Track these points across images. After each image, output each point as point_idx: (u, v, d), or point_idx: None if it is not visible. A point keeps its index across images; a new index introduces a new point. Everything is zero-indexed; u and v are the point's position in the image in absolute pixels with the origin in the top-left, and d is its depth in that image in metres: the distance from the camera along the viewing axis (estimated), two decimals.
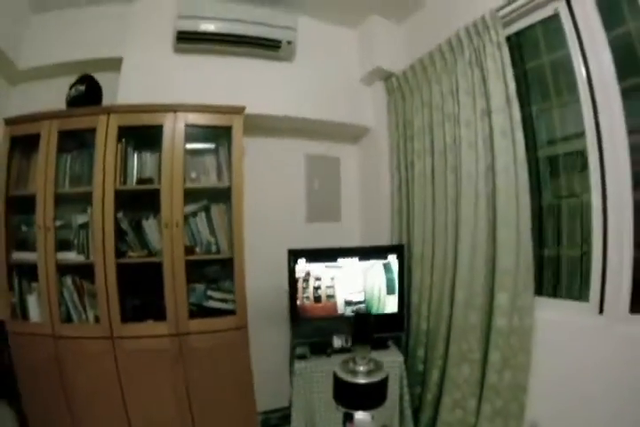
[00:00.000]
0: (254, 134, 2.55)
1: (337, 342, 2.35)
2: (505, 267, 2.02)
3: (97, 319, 2.15)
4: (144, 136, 2.19)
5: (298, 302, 2.34)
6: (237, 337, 2.24)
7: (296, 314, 2.36)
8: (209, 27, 2.20)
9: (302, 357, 2.32)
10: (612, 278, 1.75)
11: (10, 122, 2.16)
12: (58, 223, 2.16)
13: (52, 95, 2.27)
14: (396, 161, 2.69)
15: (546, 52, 2.05)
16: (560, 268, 2.11)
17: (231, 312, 2.25)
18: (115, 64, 2.27)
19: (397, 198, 2.69)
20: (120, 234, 2.16)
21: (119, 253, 2.12)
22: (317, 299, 2.37)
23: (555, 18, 1.92)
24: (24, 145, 2.20)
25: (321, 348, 2.35)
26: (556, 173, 2.10)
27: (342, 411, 0.89)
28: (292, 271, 2.32)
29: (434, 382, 2.40)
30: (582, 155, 1.87)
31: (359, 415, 0.86)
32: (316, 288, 2.36)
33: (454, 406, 2.26)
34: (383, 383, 0.86)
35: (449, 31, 2.26)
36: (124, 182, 2.16)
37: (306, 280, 2.33)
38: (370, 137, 2.90)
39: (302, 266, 2.32)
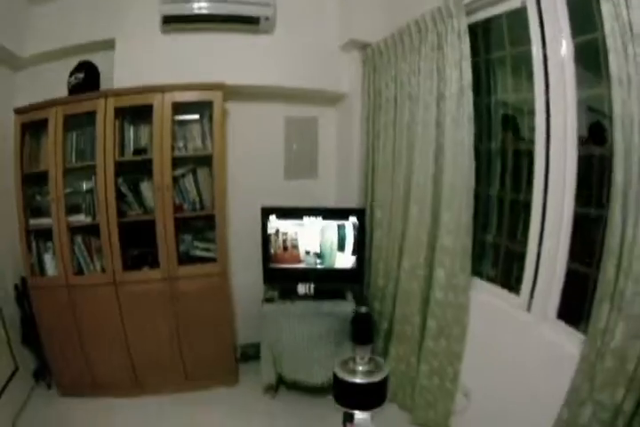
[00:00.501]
0: (237, 99, 2.85)
1: (301, 289, 2.80)
2: (445, 246, 2.22)
3: (103, 269, 2.61)
4: (138, 112, 2.55)
5: (270, 252, 2.77)
6: (219, 281, 2.72)
7: (267, 262, 2.81)
8: (191, 9, 2.43)
9: (270, 300, 2.77)
10: (544, 280, 1.83)
11: (19, 111, 2.50)
12: (67, 190, 2.56)
13: (54, 78, 2.59)
14: (365, 128, 2.93)
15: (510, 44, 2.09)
16: (499, 256, 2.29)
17: (214, 260, 2.70)
18: (109, 45, 2.56)
19: (365, 164, 2.96)
20: (121, 196, 2.58)
21: (120, 214, 2.55)
22: (284, 248, 2.80)
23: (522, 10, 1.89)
24: (33, 130, 2.58)
25: (288, 293, 2.80)
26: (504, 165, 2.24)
27: (342, 411, 0.90)
28: (264, 226, 2.74)
29: (383, 332, 2.80)
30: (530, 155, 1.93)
31: (359, 415, 0.87)
32: (284, 240, 2.77)
33: (398, 359, 2.63)
34: (383, 383, 0.86)
35: (421, 10, 2.29)
36: (122, 154, 2.58)
37: (276, 234, 2.74)
38: (346, 102, 3.13)
39: (273, 222, 2.72)
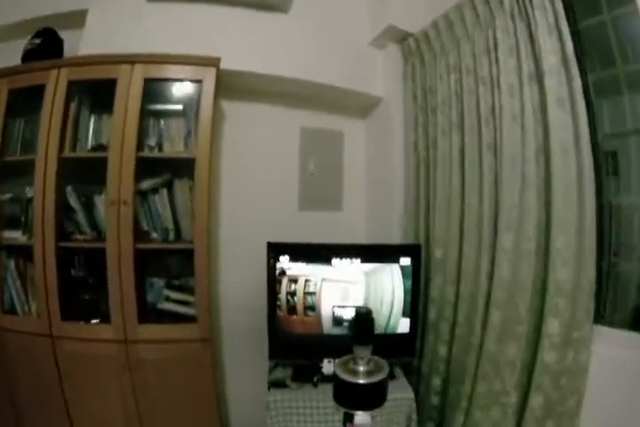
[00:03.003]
0: (238, 98, 2.16)
1: (328, 367, 1.84)
2: (560, 284, 1.52)
3: (39, 314, 1.78)
4: (102, 95, 1.80)
5: (278, 311, 1.86)
6: (199, 351, 1.80)
7: (275, 326, 1.88)
8: None
9: (280, 384, 1.82)
10: None
11: None
12: (6, 196, 1.85)
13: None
14: (413, 138, 2.19)
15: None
16: (626, 287, 1.63)
17: (192, 319, 1.81)
18: (79, 19, 1.94)
19: (414, 185, 2.18)
20: (68, 211, 1.80)
21: (63, 235, 1.76)
22: (291, 310, 1.87)
23: None
24: None
25: (307, 372, 1.84)
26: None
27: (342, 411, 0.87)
28: (270, 271, 1.84)
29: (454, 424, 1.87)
30: None
31: (359, 416, 0.85)
32: (301, 293, 1.85)
33: None
34: (383, 383, 0.86)
35: None
36: (74, 149, 1.80)
37: (289, 284, 1.85)
38: (380, 110, 2.40)
39: (284, 265, 1.84)
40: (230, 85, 2.04)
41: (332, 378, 1.74)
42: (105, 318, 1.77)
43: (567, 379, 1.51)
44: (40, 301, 1.76)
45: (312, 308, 1.87)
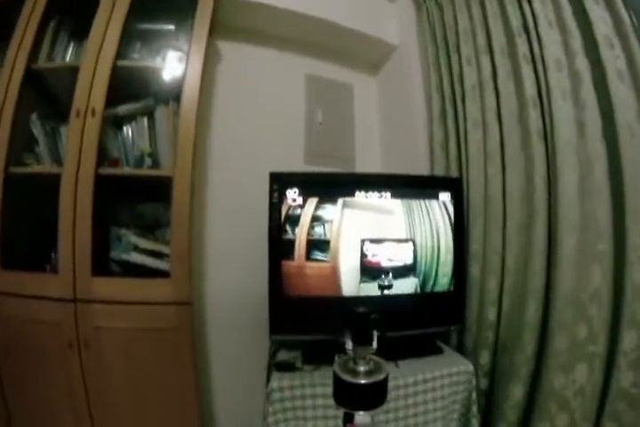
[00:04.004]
0: (237, 39, 1.91)
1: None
2: None
3: None
4: (85, 22, 1.49)
5: (283, 268, 1.34)
6: (173, 319, 1.32)
7: (279, 289, 1.35)
8: None
9: (287, 366, 1.30)
10: None
11: None
12: None
13: None
14: (436, 79, 1.84)
15: None
16: None
17: (165, 274, 1.36)
18: None
19: (440, 126, 1.81)
20: (30, 143, 1.47)
21: (14, 163, 1.40)
22: (287, 249, 1.32)
23: None
24: None
25: (324, 351, 1.35)
26: None
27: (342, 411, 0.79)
28: (275, 209, 1.36)
29: (512, 404, 1.38)
30: None
31: (359, 416, 0.80)
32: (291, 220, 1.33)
33: None
34: (383, 383, 0.80)
35: None
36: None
37: (302, 227, 1.33)
38: (395, 60, 2.12)
39: (294, 203, 1.35)
40: (230, 23, 1.83)
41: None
42: (54, 269, 1.33)
43: None
44: None
45: (323, 245, 1.34)
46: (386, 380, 0.81)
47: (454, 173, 1.71)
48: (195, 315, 1.43)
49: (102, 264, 1.37)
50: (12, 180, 1.39)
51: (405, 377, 1.28)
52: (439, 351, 1.46)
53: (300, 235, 1.32)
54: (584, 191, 1.29)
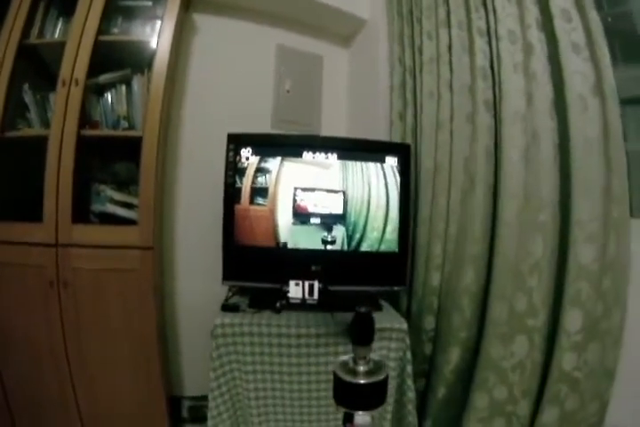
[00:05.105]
0: (211, 12, 2.05)
1: (294, 290, 1.48)
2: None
3: None
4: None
5: (235, 219, 1.54)
6: (139, 261, 1.54)
7: (231, 239, 1.55)
8: None
9: (232, 307, 1.48)
10: None
11: None
12: None
13: None
14: (397, 53, 1.93)
15: None
16: None
17: (134, 223, 1.59)
18: None
19: (400, 97, 1.90)
20: (21, 109, 1.68)
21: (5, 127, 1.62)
22: (236, 195, 1.52)
23: None
24: None
25: (267, 298, 1.50)
26: None
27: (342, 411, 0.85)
28: (230, 167, 1.54)
29: (453, 367, 1.48)
30: None
31: (359, 416, 0.84)
32: (266, 191, 1.53)
33: (492, 413, 1.34)
34: (383, 383, 0.84)
35: None
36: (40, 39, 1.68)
37: (253, 183, 1.54)
38: (365, 34, 2.22)
39: (248, 160, 1.53)
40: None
41: (300, 306, 1.50)
42: (39, 219, 1.54)
43: (610, 282, 1.18)
44: None
45: (263, 192, 1.54)
46: (386, 380, 0.84)
47: (409, 142, 1.80)
48: (159, 258, 1.66)
49: (82, 214, 1.60)
50: (6, 142, 1.61)
51: (337, 326, 1.42)
52: (378, 309, 1.57)
53: (246, 183, 1.53)
54: (528, 162, 1.34)
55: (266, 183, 1.53)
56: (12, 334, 1.59)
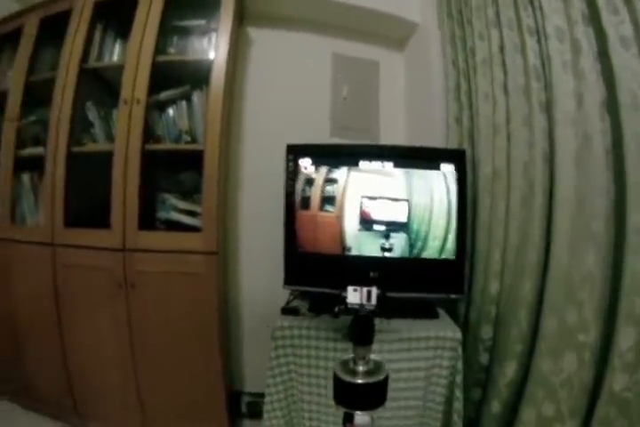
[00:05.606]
0: (266, 25, 2.13)
1: (353, 296, 1.55)
2: None
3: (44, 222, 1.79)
4: (127, 20, 1.78)
5: (297, 227, 1.60)
6: (203, 266, 1.62)
7: (292, 246, 1.61)
8: None
9: (292, 311, 1.53)
10: None
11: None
12: (31, 119, 1.94)
13: None
14: (451, 53, 1.91)
15: None
16: None
17: (197, 229, 1.67)
18: None
19: (455, 100, 1.89)
20: (86, 126, 1.82)
21: (74, 143, 1.77)
22: (305, 202, 1.59)
23: None
24: (13, 43, 2.00)
25: (326, 303, 1.50)
26: None
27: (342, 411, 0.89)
28: (290, 176, 1.61)
29: (508, 381, 1.44)
30: None
31: (359, 416, 0.86)
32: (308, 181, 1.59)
33: None
34: (383, 384, 0.85)
35: None
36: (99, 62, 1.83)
37: (313, 191, 1.60)
38: (417, 37, 2.20)
39: (306, 170, 1.60)
40: (257, 11, 2.05)
41: (358, 311, 1.51)
42: (105, 224, 1.68)
43: None
44: (45, 208, 1.75)
45: (331, 200, 1.58)
46: (386, 380, 0.85)
47: (466, 146, 1.78)
48: (222, 262, 1.76)
49: (148, 221, 1.69)
50: (74, 157, 1.75)
51: (392, 333, 1.43)
52: (435, 316, 1.56)
53: (315, 192, 1.59)
54: (580, 166, 1.29)
55: (334, 192, 1.58)
56: (79, 327, 1.74)
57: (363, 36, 2.26)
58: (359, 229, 1.58)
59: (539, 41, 1.46)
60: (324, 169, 1.59)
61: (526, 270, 1.43)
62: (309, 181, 1.59)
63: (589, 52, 1.28)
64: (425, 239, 1.56)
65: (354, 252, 1.59)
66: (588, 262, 1.24)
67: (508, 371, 1.46)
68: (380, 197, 1.57)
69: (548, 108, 1.42)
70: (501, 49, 1.61)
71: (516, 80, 1.54)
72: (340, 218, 1.58)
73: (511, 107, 1.56)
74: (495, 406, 1.49)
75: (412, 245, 1.56)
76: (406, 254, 1.57)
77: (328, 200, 1.58)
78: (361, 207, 1.57)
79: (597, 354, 1.23)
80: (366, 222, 1.57)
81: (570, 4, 1.32)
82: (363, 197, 1.57)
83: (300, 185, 1.60)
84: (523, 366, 1.44)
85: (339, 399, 0.88)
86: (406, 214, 1.56)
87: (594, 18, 1.26)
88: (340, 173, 1.58)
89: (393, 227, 1.56)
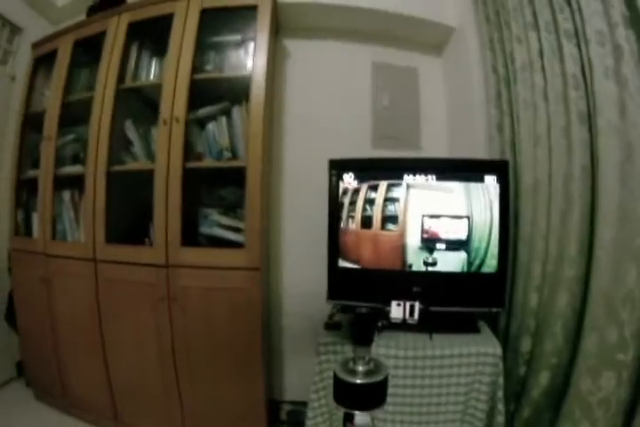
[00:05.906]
0: (302, 36, 2.13)
1: (396, 311, 1.55)
2: None
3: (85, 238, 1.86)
4: (164, 39, 1.80)
5: (340, 241, 1.63)
6: (247, 281, 1.63)
7: (335, 260, 1.63)
8: None
9: (334, 326, 1.53)
10: None
11: (35, 45, 2.15)
12: (69, 137, 2.02)
13: None
14: (491, 58, 1.86)
15: None
16: None
17: (240, 245, 1.68)
18: None
19: (496, 107, 1.83)
20: (125, 144, 1.86)
21: (115, 162, 1.81)
22: (366, 222, 1.61)
23: None
24: (47, 65, 2.12)
25: (372, 318, 1.57)
26: None
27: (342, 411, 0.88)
28: (333, 192, 1.64)
29: (541, 390, 1.46)
30: None
31: (359, 417, 0.86)
32: (369, 201, 1.61)
33: None
34: (383, 384, 0.86)
35: None
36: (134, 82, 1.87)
37: (356, 205, 1.63)
38: (455, 41, 2.17)
39: (349, 185, 1.62)
40: (292, 23, 2.05)
41: (401, 325, 1.52)
42: (149, 241, 1.73)
43: None
44: (87, 224, 1.80)
45: (393, 219, 1.60)
46: (385, 380, 0.85)
47: (508, 156, 1.74)
48: (266, 277, 1.79)
49: (191, 237, 1.71)
50: (114, 175, 1.79)
51: (435, 349, 1.43)
52: (476, 331, 1.56)
53: (377, 212, 1.62)
54: (623, 179, 1.26)
55: (395, 211, 1.60)
56: (122, 338, 1.80)
57: (399, 43, 2.24)
58: (420, 248, 1.59)
59: (578, 45, 1.42)
60: (367, 184, 1.62)
61: (562, 284, 1.43)
62: (369, 201, 1.63)
63: (631, 56, 1.25)
64: (484, 257, 1.56)
65: (415, 267, 1.60)
66: (630, 280, 1.22)
67: (542, 381, 1.48)
68: (441, 215, 1.59)
69: (590, 117, 1.39)
70: (541, 53, 1.57)
71: (556, 88, 1.50)
72: (402, 236, 1.60)
73: (551, 116, 1.52)
74: (527, 412, 1.52)
75: (470, 264, 1.57)
76: (458, 270, 1.57)
77: (390, 219, 1.61)
78: (422, 226, 1.59)
79: (635, 374, 1.22)
80: (427, 241, 1.58)
81: (608, 4, 1.27)
82: (423, 215, 1.59)
83: (346, 200, 1.63)
84: (556, 378, 1.45)
85: (339, 399, 0.88)
86: (466, 232, 1.56)
87: (633, 20, 1.23)
88: (399, 192, 1.60)
89: (454, 245, 1.57)
